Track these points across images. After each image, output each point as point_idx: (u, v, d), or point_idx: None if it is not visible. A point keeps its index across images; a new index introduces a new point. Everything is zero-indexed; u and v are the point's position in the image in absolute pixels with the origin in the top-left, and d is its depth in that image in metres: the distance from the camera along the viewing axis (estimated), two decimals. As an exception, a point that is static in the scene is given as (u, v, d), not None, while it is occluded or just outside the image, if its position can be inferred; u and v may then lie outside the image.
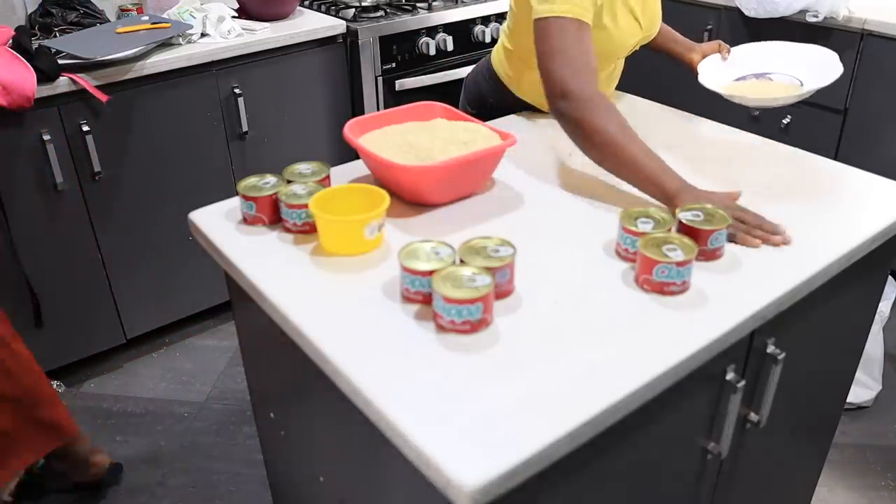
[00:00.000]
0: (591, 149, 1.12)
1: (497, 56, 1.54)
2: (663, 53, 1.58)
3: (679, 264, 0.88)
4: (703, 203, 1.00)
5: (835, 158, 1.27)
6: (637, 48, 1.46)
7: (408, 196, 1.11)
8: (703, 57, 1.51)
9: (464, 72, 2.51)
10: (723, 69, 1.48)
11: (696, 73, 1.44)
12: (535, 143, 1.34)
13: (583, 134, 1.11)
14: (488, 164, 1.15)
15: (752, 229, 1.02)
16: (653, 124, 1.41)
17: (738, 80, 1.46)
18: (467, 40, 2.50)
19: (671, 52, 1.57)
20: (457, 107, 1.24)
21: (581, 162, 1.18)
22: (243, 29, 2.15)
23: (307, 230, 1.03)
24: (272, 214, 1.06)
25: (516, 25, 1.42)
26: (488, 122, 1.24)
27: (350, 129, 1.17)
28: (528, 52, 1.31)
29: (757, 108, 1.39)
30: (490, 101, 1.56)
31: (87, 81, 1.83)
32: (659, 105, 1.52)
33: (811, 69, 1.38)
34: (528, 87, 1.48)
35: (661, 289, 0.89)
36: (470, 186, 1.15)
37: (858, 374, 1.93)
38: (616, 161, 1.09)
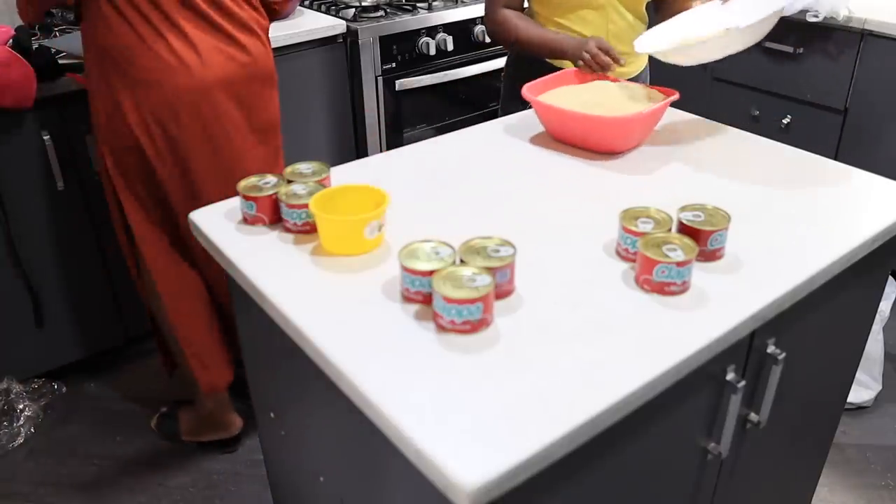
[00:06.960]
0: (506, 42, 1.63)
1: None
2: (665, 7, 1.66)
3: (679, 264, 0.88)
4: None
5: (835, 158, 1.27)
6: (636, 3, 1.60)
7: (597, 147, 1.28)
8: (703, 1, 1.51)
9: (464, 72, 2.52)
10: (701, 22, 1.44)
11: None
12: (539, 140, 1.34)
13: (498, 38, 1.65)
14: (659, 116, 1.35)
15: (594, 58, 1.40)
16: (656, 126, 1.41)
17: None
18: (467, 40, 2.50)
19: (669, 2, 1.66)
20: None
21: (583, 159, 1.18)
22: (243, 29, 2.14)
23: (307, 230, 1.03)
24: (272, 214, 1.06)
25: None
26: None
27: (529, 90, 1.33)
28: (548, 11, 1.63)
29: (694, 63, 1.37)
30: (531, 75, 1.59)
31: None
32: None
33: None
34: None
35: (662, 289, 0.89)
36: (645, 136, 1.34)
37: (858, 374, 1.93)
38: (523, 40, 1.58)
